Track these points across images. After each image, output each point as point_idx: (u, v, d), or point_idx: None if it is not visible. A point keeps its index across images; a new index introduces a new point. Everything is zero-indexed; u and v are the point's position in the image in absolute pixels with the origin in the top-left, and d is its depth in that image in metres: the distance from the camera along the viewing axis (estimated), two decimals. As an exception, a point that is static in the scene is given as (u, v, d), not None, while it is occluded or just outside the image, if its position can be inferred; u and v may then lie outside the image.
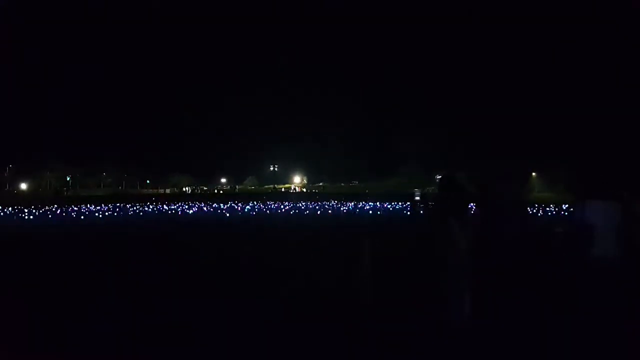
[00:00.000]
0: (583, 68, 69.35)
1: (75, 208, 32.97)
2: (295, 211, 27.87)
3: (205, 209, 31.48)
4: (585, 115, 58.52)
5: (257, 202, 37.34)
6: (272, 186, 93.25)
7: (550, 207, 26.18)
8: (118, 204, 36.46)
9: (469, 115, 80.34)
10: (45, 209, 31.58)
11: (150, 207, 33.27)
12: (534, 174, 56.97)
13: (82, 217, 24.43)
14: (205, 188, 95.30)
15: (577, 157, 49.01)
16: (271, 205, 34.14)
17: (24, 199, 47.16)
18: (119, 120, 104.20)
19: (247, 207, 32.27)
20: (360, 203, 34.05)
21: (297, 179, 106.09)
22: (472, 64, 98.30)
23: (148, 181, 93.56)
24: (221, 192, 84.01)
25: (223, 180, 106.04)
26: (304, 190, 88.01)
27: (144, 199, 47.43)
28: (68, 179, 78.87)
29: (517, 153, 58.71)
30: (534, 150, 59.12)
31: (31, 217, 24.70)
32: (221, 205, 34.42)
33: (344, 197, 43.57)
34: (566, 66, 76.35)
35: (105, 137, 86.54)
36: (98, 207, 33.01)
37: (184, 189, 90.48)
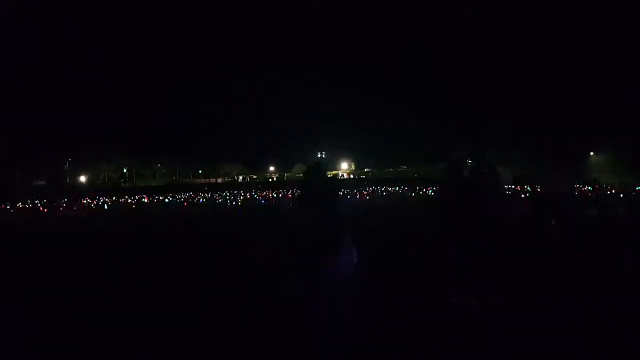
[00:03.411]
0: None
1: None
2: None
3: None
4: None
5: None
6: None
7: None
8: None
9: (520, 96, 76.58)
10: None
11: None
12: (592, 153, 53.89)
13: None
14: (255, 176, 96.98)
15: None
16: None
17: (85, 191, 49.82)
18: (172, 112, 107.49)
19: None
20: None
21: (344, 165, 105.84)
22: (523, 40, 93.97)
23: (200, 171, 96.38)
24: (271, 179, 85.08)
25: (272, 168, 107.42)
26: (352, 176, 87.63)
27: (198, 188, 49.18)
28: (125, 170, 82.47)
29: (573, 133, 55.37)
30: (590, 130, 55.48)
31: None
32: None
33: (391, 182, 43.64)
34: (619, 41, 71.09)
35: (158, 129, 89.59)
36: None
37: (235, 178, 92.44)
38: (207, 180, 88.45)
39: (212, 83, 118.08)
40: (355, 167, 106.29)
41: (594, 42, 75.95)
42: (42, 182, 58.15)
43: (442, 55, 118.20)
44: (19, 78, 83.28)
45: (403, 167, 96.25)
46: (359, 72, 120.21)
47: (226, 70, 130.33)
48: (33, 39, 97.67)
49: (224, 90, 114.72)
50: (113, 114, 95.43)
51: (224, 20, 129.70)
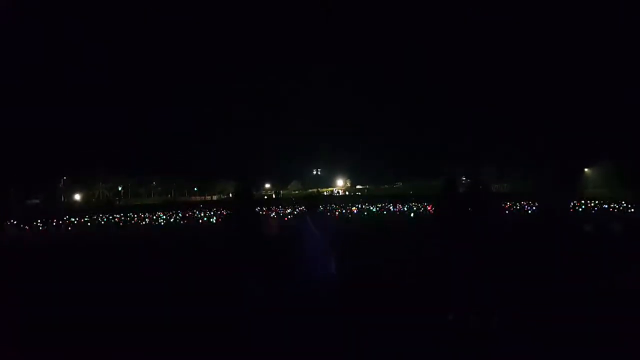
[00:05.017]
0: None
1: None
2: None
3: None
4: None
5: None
6: (315, 190, 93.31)
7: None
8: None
9: (514, 111, 76.90)
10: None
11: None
12: (586, 169, 54.05)
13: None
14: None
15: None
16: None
17: (79, 209, 49.49)
18: (167, 130, 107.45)
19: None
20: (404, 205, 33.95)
21: (340, 182, 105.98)
22: (515, 58, 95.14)
23: (196, 189, 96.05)
24: (265, 197, 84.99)
25: (267, 185, 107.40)
26: (347, 193, 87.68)
27: (193, 206, 48.77)
28: (120, 189, 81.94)
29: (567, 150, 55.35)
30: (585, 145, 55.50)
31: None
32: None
33: (387, 199, 43.30)
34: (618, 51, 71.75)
35: (153, 147, 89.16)
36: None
37: (230, 195, 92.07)
38: (203, 197, 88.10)
39: (207, 99, 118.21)
40: (350, 183, 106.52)
41: (590, 51, 76.32)
42: (37, 201, 57.74)
43: (437, 71, 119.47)
44: (15, 80, 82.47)
45: (399, 183, 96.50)
46: (354, 88, 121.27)
47: (222, 85, 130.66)
48: (32, 40, 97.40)
49: (218, 107, 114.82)
50: (108, 129, 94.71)
51: (223, 25, 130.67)
